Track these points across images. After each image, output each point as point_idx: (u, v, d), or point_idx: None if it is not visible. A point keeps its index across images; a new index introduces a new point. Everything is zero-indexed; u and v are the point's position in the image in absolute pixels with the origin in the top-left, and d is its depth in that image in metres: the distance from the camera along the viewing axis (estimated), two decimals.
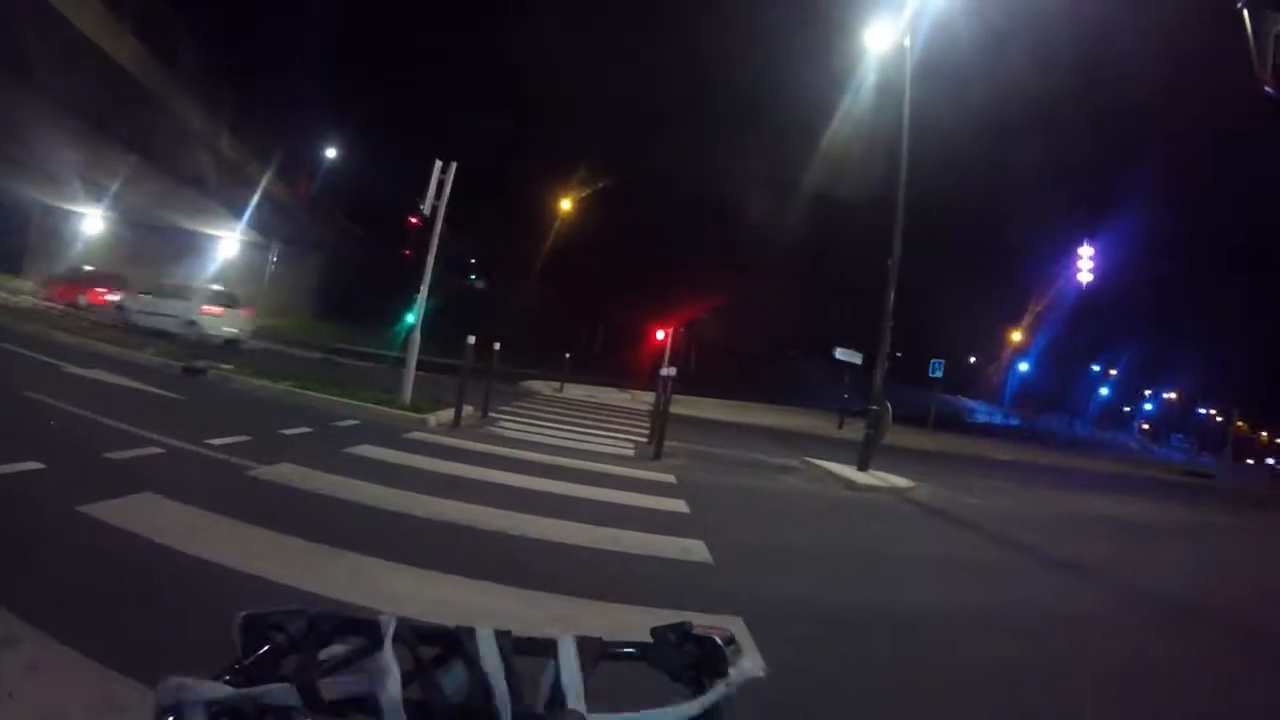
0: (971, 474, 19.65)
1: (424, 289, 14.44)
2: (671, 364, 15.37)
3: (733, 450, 15.54)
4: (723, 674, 0.86)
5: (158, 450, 7.05)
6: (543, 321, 45.21)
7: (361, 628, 0.85)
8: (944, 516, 11.54)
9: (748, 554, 7.03)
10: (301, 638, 0.83)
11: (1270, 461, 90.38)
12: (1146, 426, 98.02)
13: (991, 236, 62.60)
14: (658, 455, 12.34)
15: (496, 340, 14.87)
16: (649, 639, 0.95)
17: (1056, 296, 53.81)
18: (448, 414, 12.67)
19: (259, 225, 37.18)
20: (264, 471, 6.91)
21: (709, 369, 42.29)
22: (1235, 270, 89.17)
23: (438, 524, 6.14)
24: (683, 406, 19.14)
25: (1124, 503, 19.65)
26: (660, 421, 12.91)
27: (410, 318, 14.90)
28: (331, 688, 0.79)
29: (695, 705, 0.82)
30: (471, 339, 13.28)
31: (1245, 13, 1.91)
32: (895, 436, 16.65)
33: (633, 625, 4.25)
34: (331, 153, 43.47)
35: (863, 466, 13.88)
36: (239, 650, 0.82)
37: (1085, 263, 25.52)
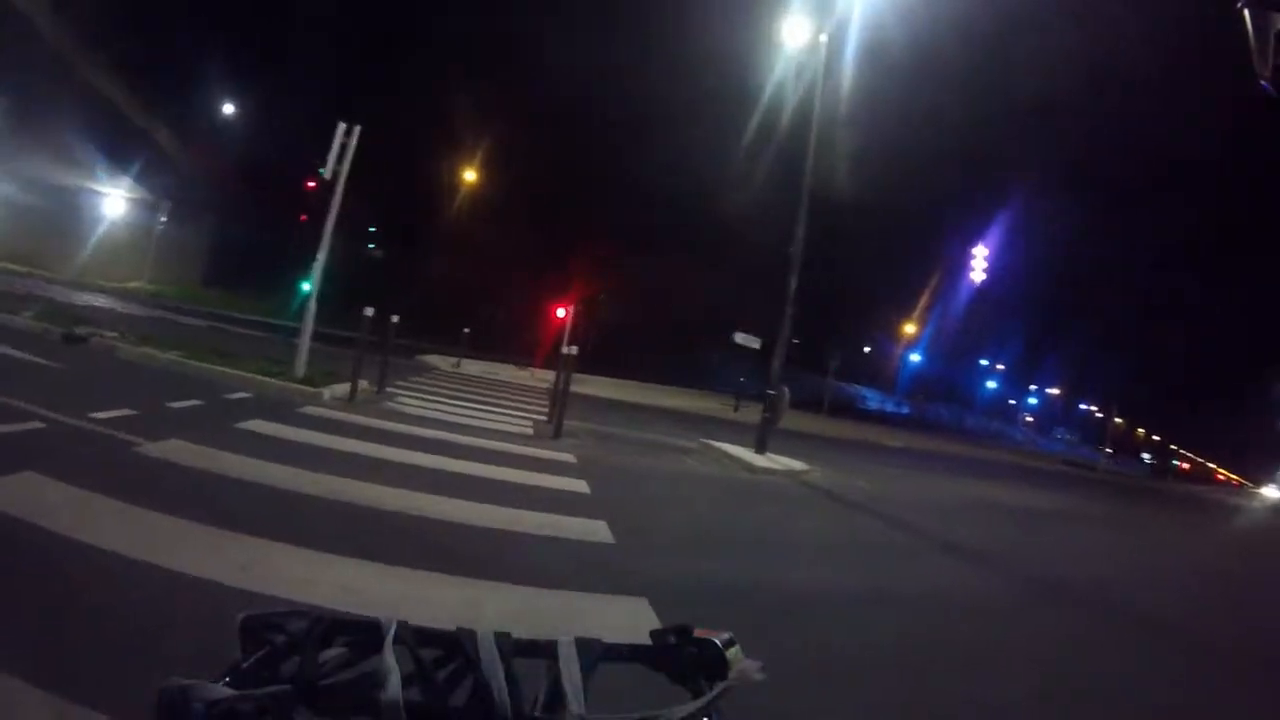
0: (864, 459, 20.40)
1: (322, 256, 13.92)
2: (572, 343, 15.41)
3: (631, 431, 15.67)
4: (722, 676, 0.88)
5: (38, 425, 6.59)
6: (442, 295, 44.34)
7: (361, 630, 0.86)
8: (838, 500, 11.96)
9: (649, 535, 7.13)
10: (301, 639, 0.84)
11: (1145, 456, 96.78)
12: (1031, 419, 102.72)
13: (892, 228, 64.04)
14: (558, 434, 12.33)
15: (394, 313, 14.56)
16: (648, 641, 0.96)
17: (950, 290, 55.74)
18: (343, 388, 12.35)
19: (148, 183, 35.33)
20: (152, 448, 6.56)
21: (610, 349, 42.25)
22: (1124, 274, 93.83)
23: (335, 504, 5.97)
24: (582, 386, 19.14)
25: (1008, 489, 20.72)
26: (560, 400, 12.90)
27: (306, 286, 14.33)
28: (332, 690, 0.79)
29: (694, 707, 0.83)
30: (369, 310, 12.97)
31: (1245, 12, 2.00)
32: (790, 421, 17.05)
33: (540, 607, 4.35)
34: (228, 109, 41.59)
35: (760, 449, 14.18)
36: (239, 652, 0.83)
37: (979, 262, 26.52)
